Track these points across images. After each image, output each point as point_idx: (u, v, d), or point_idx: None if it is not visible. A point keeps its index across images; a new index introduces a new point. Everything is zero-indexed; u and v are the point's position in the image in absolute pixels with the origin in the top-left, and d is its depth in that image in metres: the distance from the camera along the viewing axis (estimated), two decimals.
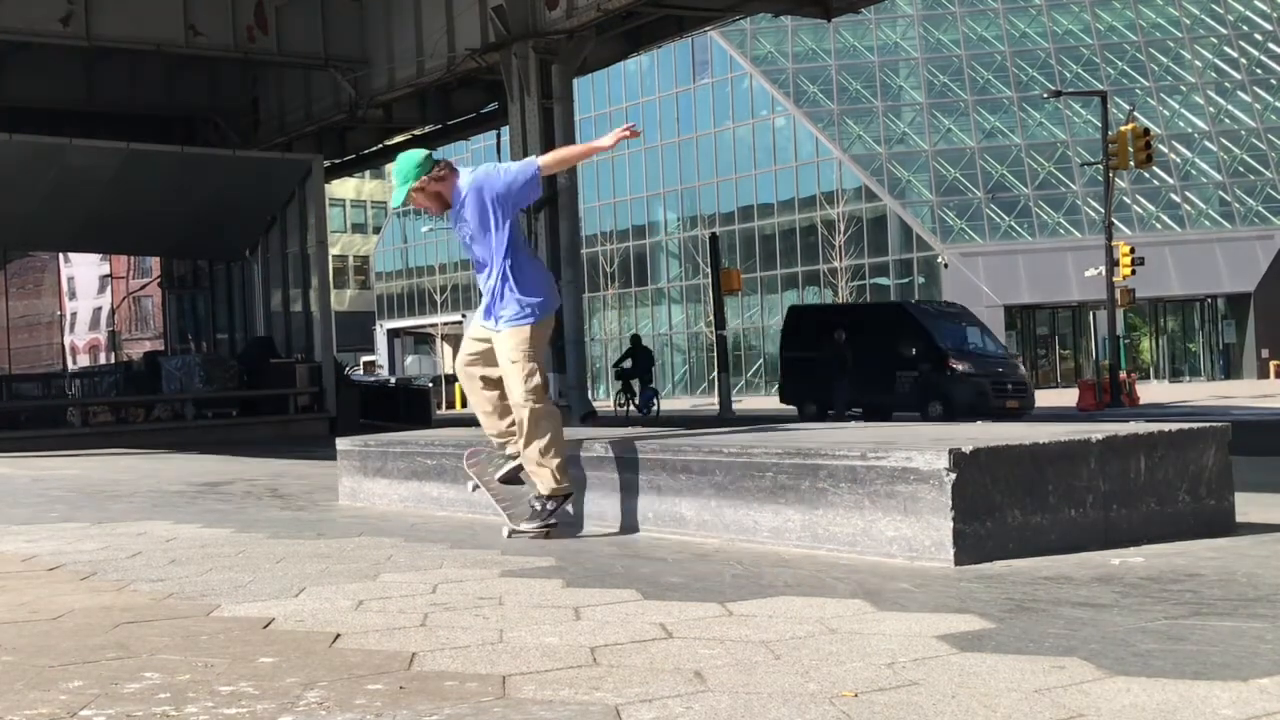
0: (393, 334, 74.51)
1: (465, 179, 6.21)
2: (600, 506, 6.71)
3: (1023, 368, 29.24)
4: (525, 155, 20.63)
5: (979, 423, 8.31)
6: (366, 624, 4.17)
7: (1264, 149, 50.33)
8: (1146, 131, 34.03)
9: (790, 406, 27.82)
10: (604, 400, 52.82)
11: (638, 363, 29.58)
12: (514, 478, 6.48)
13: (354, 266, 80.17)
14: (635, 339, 31.56)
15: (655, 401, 29.33)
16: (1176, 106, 51.62)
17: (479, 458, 6.73)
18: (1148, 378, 48.53)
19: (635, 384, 29.23)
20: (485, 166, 6.39)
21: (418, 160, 6.23)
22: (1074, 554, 5.16)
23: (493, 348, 6.28)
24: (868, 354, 25.24)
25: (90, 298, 78.04)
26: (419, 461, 8.20)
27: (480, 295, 6.39)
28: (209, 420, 24.69)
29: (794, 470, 5.63)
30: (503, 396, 6.37)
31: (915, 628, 3.82)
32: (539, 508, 6.25)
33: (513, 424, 6.34)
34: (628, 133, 6.15)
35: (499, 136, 22.82)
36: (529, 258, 6.39)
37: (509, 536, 6.32)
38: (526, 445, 6.19)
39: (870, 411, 24.33)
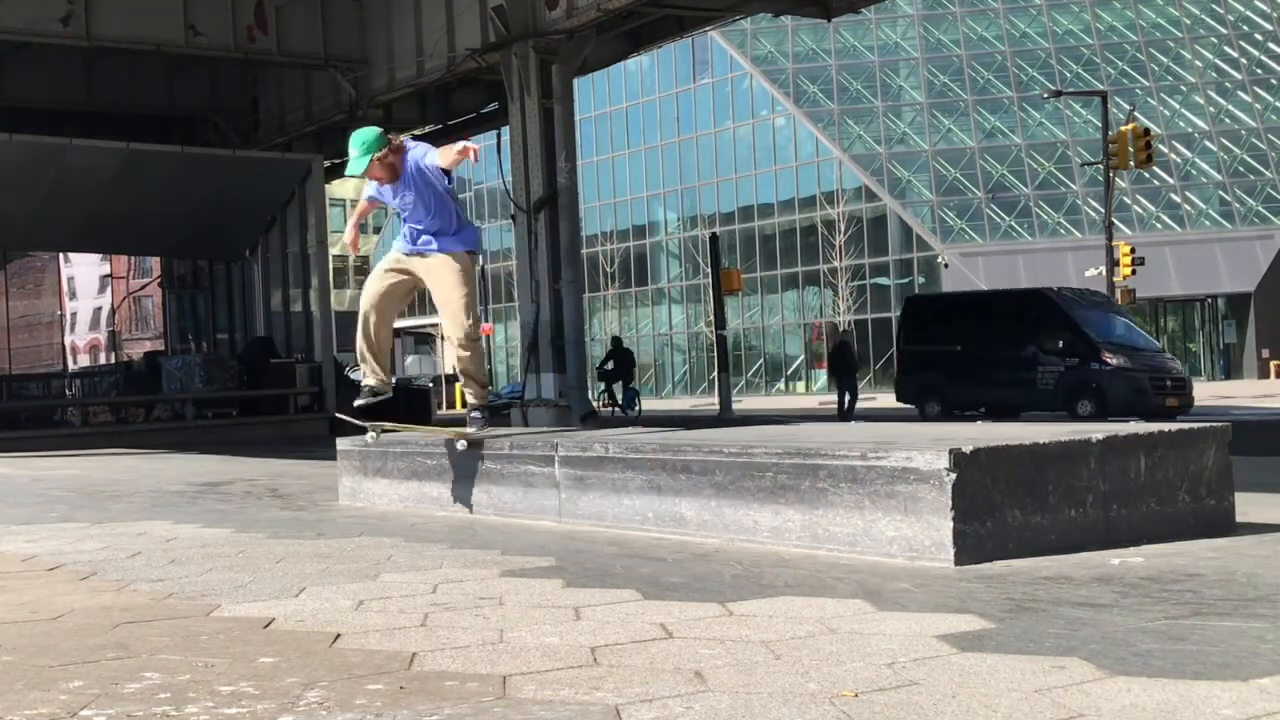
0: (393, 334, 74.42)
1: (411, 154, 7.23)
2: (600, 506, 6.71)
3: (1177, 362, 26.66)
4: (525, 156, 20.71)
5: (979, 423, 8.32)
6: (366, 624, 4.17)
7: (1264, 149, 50.33)
8: (1146, 131, 34.04)
9: (908, 405, 25.48)
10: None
11: (619, 364, 29.65)
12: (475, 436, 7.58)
13: (354, 266, 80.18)
14: (616, 341, 31.63)
15: (637, 401, 29.43)
16: (1176, 106, 51.61)
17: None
18: None
19: (618, 386, 29.30)
20: (420, 147, 7.39)
21: (378, 133, 7.19)
22: (1074, 554, 5.16)
23: (412, 279, 7.49)
24: (998, 347, 23.34)
25: (90, 298, 78.05)
26: (419, 461, 8.20)
27: (403, 232, 7.47)
28: (209, 420, 24.68)
29: (794, 470, 5.63)
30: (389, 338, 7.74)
31: (915, 628, 3.82)
32: (481, 415, 7.69)
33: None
34: (470, 152, 7.06)
35: (499, 136, 22.74)
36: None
37: (468, 444, 7.50)
38: (474, 368, 7.59)
39: (997, 411, 22.00)
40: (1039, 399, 22.68)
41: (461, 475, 7.77)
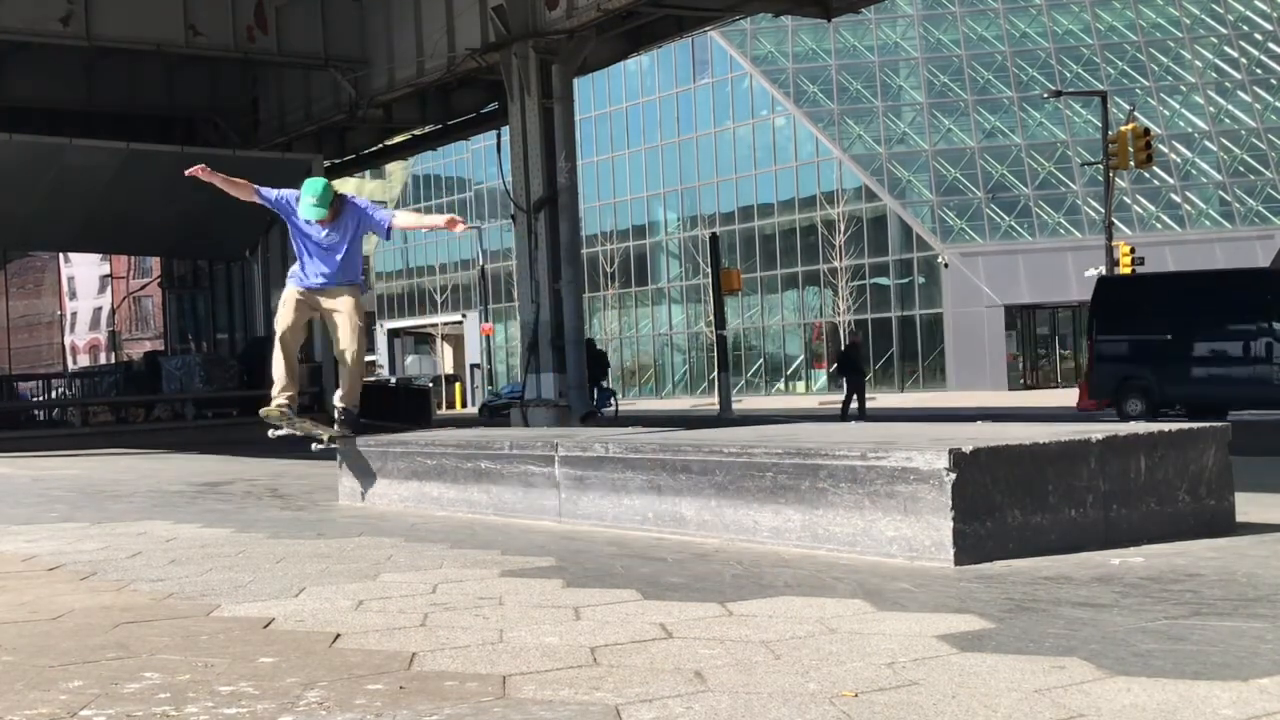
0: (393, 334, 74.53)
1: (352, 204, 8.69)
2: (600, 506, 6.71)
3: None
4: (525, 156, 20.70)
5: (979, 422, 8.30)
6: (366, 624, 4.17)
7: (1264, 149, 50.31)
8: (1146, 131, 34.03)
9: (1100, 405, 22.38)
10: None
11: (593, 366, 29.72)
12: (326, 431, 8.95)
13: None
14: (589, 343, 31.63)
15: (613, 402, 29.49)
16: (1176, 106, 51.60)
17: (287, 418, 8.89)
18: None
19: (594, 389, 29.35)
20: (362, 200, 8.87)
21: (327, 183, 8.61)
22: (1074, 554, 5.16)
23: (313, 303, 8.68)
24: (1222, 336, 20.66)
25: (90, 298, 78.03)
26: (419, 461, 8.21)
27: (305, 271, 8.68)
28: (209, 420, 24.67)
29: (794, 470, 5.63)
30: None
31: (915, 628, 3.82)
32: (345, 417, 8.83)
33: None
34: (459, 224, 8.67)
35: (499, 136, 22.74)
36: None
37: (330, 441, 8.83)
38: (354, 379, 8.91)
39: (1218, 410, 19.12)
40: (1276, 396, 19.92)
41: (461, 475, 7.78)
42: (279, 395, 8.77)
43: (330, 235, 8.60)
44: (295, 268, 8.82)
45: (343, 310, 8.68)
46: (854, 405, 27.79)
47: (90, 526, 7.66)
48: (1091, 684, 3.08)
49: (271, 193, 8.78)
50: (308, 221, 8.55)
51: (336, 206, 8.52)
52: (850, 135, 51.61)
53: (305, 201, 8.43)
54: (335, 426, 8.93)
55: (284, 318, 8.74)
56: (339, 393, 9.04)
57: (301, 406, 28.36)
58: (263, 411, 8.93)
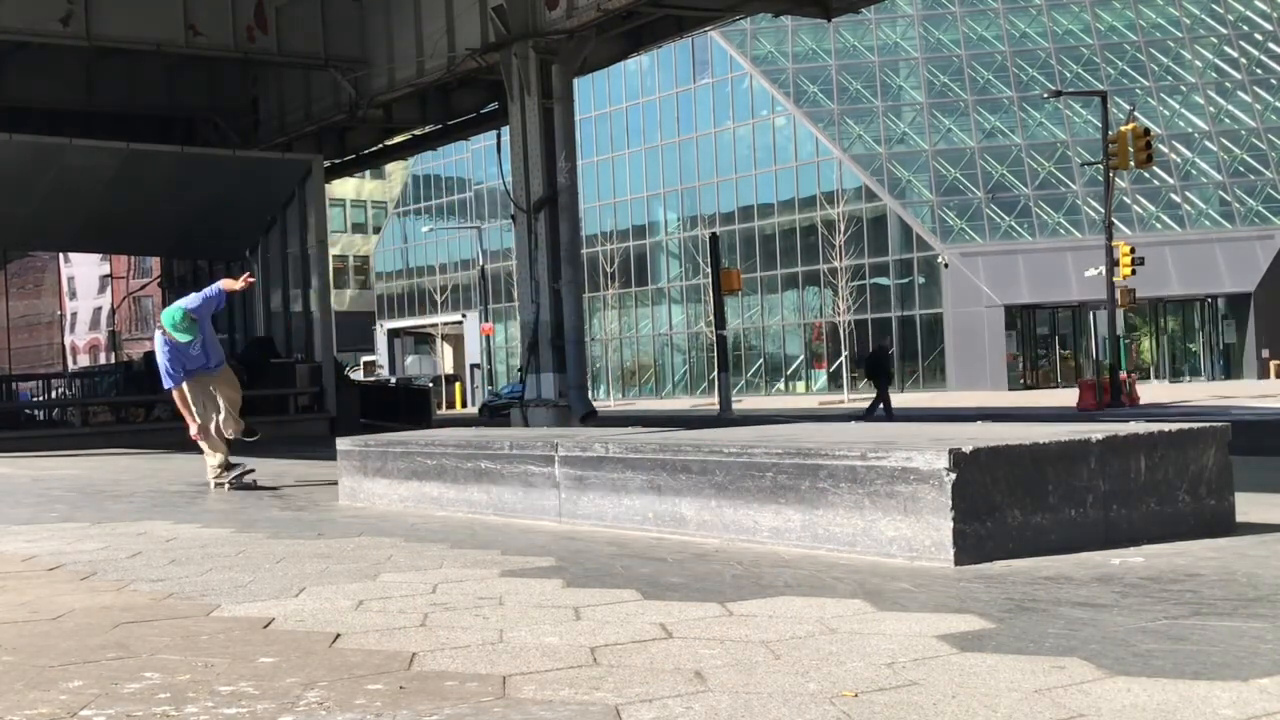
0: (393, 334, 74.52)
1: (192, 312, 10.52)
2: (600, 506, 6.71)
3: None
4: (525, 156, 20.70)
5: (979, 423, 8.30)
6: (366, 624, 4.17)
7: (1264, 149, 50.31)
8: (1146, 131, 34.03)
9: None
10: (604, 400, 52.93)
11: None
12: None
13: (354, 266, 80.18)
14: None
15: None
16: (1176, 106, 51.60)
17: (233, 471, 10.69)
18: (1148, 378, 48.50)
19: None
20: (188, 300, 10.72)
21: (184, 311, 10.43)
22: (1074, 554, 5.16)
23: (209, 383, 10.70)
24: None
25: (90, 298, 78.07)
26: (419, 461, 8.21)
27: (185, 370, 10.55)
28: None
29: (794, 470, 5.63)
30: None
31: (915, 628, 3.82)
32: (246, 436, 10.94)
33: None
34: (246, 282, 11.21)
35: (499, 136, 22.72)
36: None
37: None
38: (237, 414, 10.76)
39: None
40: None
41: (461, 475, 7.78)
42: (218, 453, 10.60)
43: (195, 346, 10.59)
44: (176, 373, 10.50)
45: (223, 379, 10.87)
46: (875, 404, 28.59)
47: (90, 526, 7.66)
48: (1091, 684, 3.08)
49: (178, 369, 10.52)
50: (185, 341, 10.41)
51: (191, 320, 10.45)
52: (850, 135, 51.61)
53: (180, 331, 10.29)
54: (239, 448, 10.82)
55: (204, 409, 10.59)
56: (232, 428, 10.76)
57: (302, 406, 28.73)
58: (219, 474, 10.65)
